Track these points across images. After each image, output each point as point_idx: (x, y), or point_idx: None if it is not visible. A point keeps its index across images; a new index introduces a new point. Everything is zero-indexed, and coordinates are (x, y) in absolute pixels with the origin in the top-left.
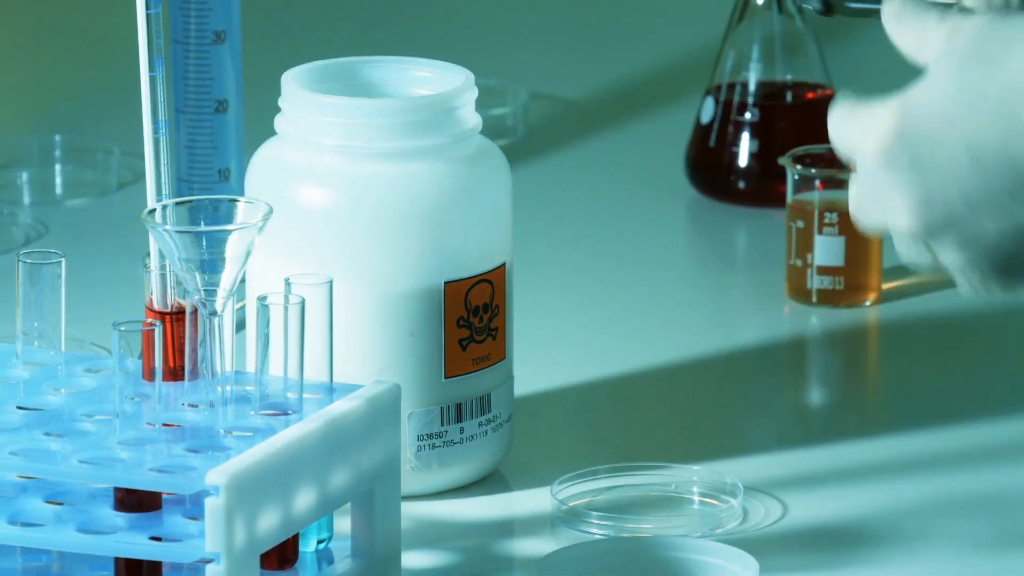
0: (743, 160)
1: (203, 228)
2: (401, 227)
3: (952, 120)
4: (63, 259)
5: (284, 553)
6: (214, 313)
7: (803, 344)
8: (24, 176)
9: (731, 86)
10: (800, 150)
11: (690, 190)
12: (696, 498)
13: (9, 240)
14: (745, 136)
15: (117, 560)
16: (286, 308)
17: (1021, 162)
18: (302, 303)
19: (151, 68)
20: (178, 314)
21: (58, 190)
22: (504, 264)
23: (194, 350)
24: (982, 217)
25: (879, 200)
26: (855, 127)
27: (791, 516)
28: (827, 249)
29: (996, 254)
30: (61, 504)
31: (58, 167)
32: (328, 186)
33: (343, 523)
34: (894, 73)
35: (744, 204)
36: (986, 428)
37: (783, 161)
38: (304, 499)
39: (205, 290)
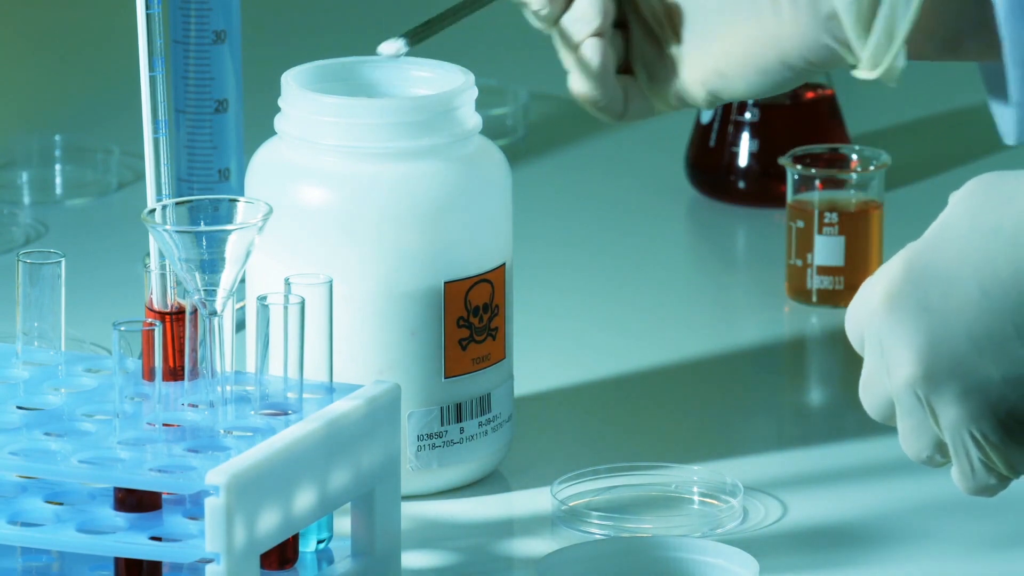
0: (743, 160)
1: (203, 228)
2: (401, 227)
3: (965, 257)
4: (63, 259)
5: (284, 553)
6: (214, 313)
7: (803, 344)
8: (24, 176)
9: None
10: (800, 150)
11: (690, 190)
12: (696, 498)
13: (9, 240)
14: (745, 136)
15: (117, 560)
16: (286, 308)
17: None
18: (302, 303)
19: (151, 68)
20: (178, 314)
21: (58, 190)
22: (504, 264)
23: (194, 350)
24: (988, 361)
25: (884, 361)
26: (863, 292)
27: (791, 516)
28: (827, 249)
29: (999, 406)
30: (61, 504)
31: (58, 167)
32: (328, 186)
33: (343, 523)
34: None
35: (744, 204)
36: None
37: (783, 161)
38: (304, 499)
39: (205, 290)
